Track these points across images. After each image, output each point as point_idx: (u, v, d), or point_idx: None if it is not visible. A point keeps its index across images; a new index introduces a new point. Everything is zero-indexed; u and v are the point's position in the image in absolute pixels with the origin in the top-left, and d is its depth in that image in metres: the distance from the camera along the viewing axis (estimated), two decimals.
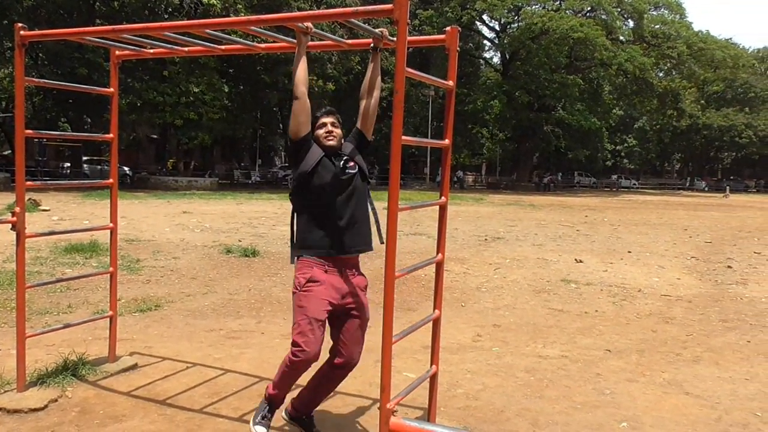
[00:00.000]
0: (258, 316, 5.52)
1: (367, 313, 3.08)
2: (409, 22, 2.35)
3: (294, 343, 2.82)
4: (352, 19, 2.65)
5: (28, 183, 3.56)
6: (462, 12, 37.98)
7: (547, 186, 43.42)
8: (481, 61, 46.00)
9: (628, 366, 4.46)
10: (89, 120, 29.13)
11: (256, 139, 39.72)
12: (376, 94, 3.04)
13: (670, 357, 4.72)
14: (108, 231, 4.09)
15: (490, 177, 49.89)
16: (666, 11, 41.66)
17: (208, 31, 3.16)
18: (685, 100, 48.16)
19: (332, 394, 3.67)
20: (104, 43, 3.80)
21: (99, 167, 31.20)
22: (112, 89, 4.01)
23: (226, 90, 27.28)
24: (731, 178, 60.31)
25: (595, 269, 8.53)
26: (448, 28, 2.96)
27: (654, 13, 41.34)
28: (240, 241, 10.04)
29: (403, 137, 2.39)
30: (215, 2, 23.70)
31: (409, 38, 2.44)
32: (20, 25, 3.39)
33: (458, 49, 2.97)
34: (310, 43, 3.22)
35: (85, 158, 31.55)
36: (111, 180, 4.03)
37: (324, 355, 3.02)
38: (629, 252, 10.35)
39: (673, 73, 43.54)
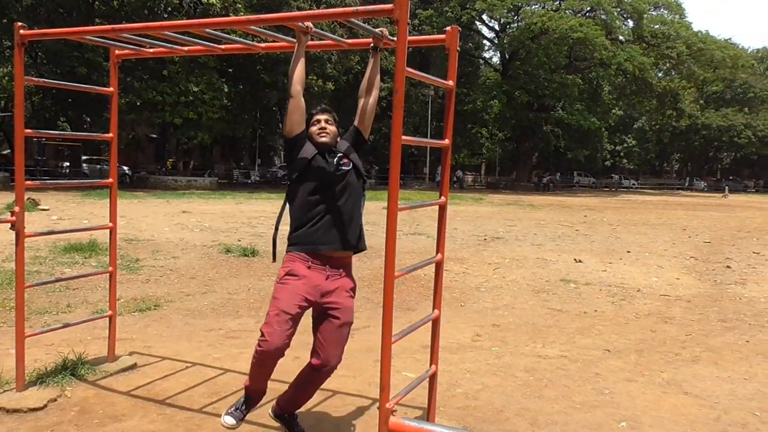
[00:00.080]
0: (257, 316, 5.52)
1: (349, 316, 2.96)
2: (409, 22, 2.35)
3: (260, 334, 2.82)
4: (352, 19, 2.65)
5: (28, 182, 3.55)
6: (462, 12, 37.97)
7: (546, 186, 43.42)
8: (481, 61, 45.99)
9: (627, 366, 4.46)
10: (88, 119, 29.09)
11: (256, 139, 39.71)
12: (375, 93, 3.04)
13: (669, 357, 4.72)
14: (107, 230, 4.10)
15: (490, 177, 49.88)
16: (665, 11, 41.66)
17: (207, 30, 3.16)
18: (684, 100, 48.17)
19: (331, 394, 3.68)
20: (104, 42, 3.80)
21: (98, 167, 31.19)
22: (111, 88, 4.01)
23: (226, 89, 27.26)
24: (730, 178, 60.33)
25: (595, 269, 8.53)
26: (448, 28, 2.96)
27: (653, 13, 41.33)
28: (239, 240, 10.04)
29: (403, 137, 2.39)
30: (215, 2, 23.67)
31: (409, 38, 2.44)
32: (20, 24, 3.39)
33: (458, 48, 2.97)
34: (310, 42, 3.22)
35: (84, 158, 31.54)
36: (110, 179, 4.03)
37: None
38: (628, 252, 10.35)
39: (673, 73, 43.52)
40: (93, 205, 15.86)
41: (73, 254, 8.06)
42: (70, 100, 26.15)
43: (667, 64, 41.57)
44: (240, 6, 24.60)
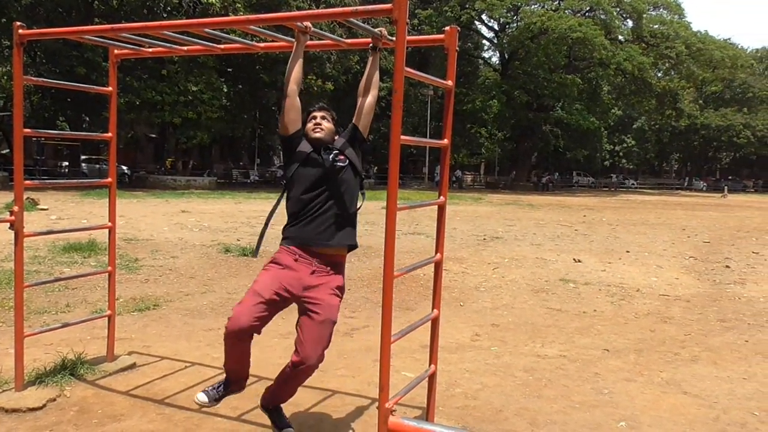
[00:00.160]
0: None
1: (330, 313, 2.88)
2: (408, 22, 2.35)
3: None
4: (352, 19, 2.65)
5: (27, 182, 3.55)
6: (461, 11, 37.97)
7: (545, 186, 43.44)
8: (480, 61, 45.98)
9: (627, 365, 4.46)
10: (87, 119, 29.09)
11: (255, 139, 39.68)
12: (374, 92, 3.04)
13: (669, 356, 4.73)
14: (106, 230, 4.09)
15: (489, 177, 49.88)
16: (665, 11, 41.69)
17: (207, 30, 3.16)
18: (683, 100, 48.20)
19: (330, 393, 3.68)
20: (103, 41, 3.80)
21: (97, 166, 31.17)
22: (110, 88, 4.00)
23: (225, 89, 27.25)
24: (729, 178, 60.38)
25: (594, 269, 8.53)
26: (447, 28, 2.97)
27: (653, 13, 41.35)
28: (238, 240, 10.03)
29: (402, 137, 2.39)
30: (214, 1, 23.65)
31: (408, 38, 2.44)
32: (18, 23, 3.39)
33: (457, 48, 2.97)
34: (310, 42, 3.22)
35: (83, 157, 31.53)
36: (109, 179, 4.02)
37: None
38: (627, 252, 10.36)
39: (672, 73, 43.54)
40: (92, 204, 15.85)
41: (72, 254, 8.06)
42: (69, 99, 26.14)
43: (667, 64, 41.60)
44: (239, 6, 24.58)
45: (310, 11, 2.89)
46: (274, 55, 24.11)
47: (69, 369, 3.72)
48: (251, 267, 7.95)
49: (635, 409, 3.62)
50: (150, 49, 3.80)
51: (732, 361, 4.64)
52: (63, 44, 22.39)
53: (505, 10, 38.56)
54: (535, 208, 22.13)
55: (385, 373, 2.43)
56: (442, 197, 2.95)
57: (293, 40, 3.10)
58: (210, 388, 3.06)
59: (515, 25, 40.92)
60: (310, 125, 3.06)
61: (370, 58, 3.03)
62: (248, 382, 3.83)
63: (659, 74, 43.78)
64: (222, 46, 3.61)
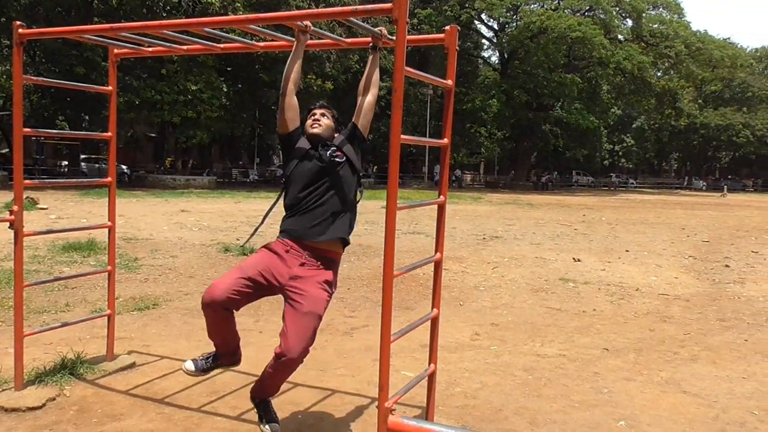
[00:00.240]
0: (256, 315, 5.51)
1: (315, 306, 2.82)
2: (407, 21, 2.35)
3: None
4: (351, 18, 2.65)
5: (26, 181, 3.55)
6: (461, 11, 37.97)
7: (545, 185, 43.45)
8: (480, 60, 45.97)
9: (626, 365, 4.47)
10: (87, 118, 29.09)
11: (254, 138, 39.67)
12: (374, 91, 3.04)
13: (668, 356, 4.73)
14: (106, 229, 4.09)
15: (489, 176, 49.89)
16: (664, 11, 41.69)
17: (206, 29, 3.16)
18: (683, 100, 48.22)
19: (330, 393, 3.68)
20: (102, 41, 3.79)
21: (97, 165, 31.18)
22: (110, 87, 4.00)
23: (225, 89, 27.23)
24: (729, 177, 60.42)
25: (593, 268, 8.54)
26: (447, 27, 2.96)
27: (652, 12, 41.34)
28: (238, 239, 10.03)
29: (402, 136, 2.39)
30: (213, 1, 23.64)
31: (408, 37, 2.44)
32: (18, 23, 3.39)
33: (457, 48, 2.97)
34: (310, 41, 3.22)
35: (83, 156, 31.52)
36: (109, 178, 4.02)
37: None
38: (627, 251, 10.36)
39: (671, 72, 43.54)
40: (91, 204, 15.85)
41: (71, 253, 8.06)
42: (68, 99, 26.12)
43: (666, 64, 41.58)
44: (239, 5, 24.56)
45: (309, 10, 2.90)
46: (274, 54, 24.09)
47: (68, 368, 3.72)
48: None
49: (635, 409, 3.62)
50: (149, 49, 3.80)
51: (731, 361, 4.65)
52: (62, 44, 22.38)
53: (504, 10, 38.55)
54: (534, 207, 22.14)
55: (385, 372, 2.43)
56: (441, 196, 2.95)
57: (293, 39, 3.10)
58: (200, 357, 3.11)
59: (515, 24, 40.92)
60: (309, 122, 3.09)
61: (370, 58, 3.02)
62: (247, 381, 3.85)
63: (659, 74, 43.80)
64: (222, 46, 3.61)
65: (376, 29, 2.96)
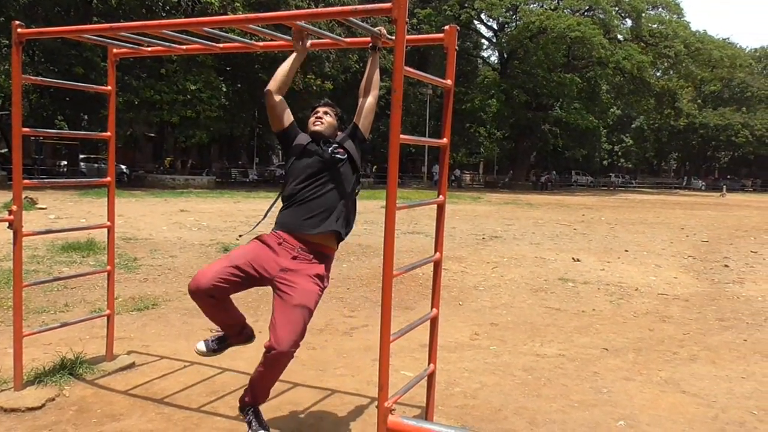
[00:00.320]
0: (256, 315, 5.51)
1: (305, 299, 2.78)
2: (407, 21, 2.35)
3: None
4: (351, 18, 2.64)
5: (25, 181, 3.54)
6: (460, 11, 37.96)
7: (544, 185, 43.45)
8: (479, 60, 45.99)
9: (625, 365, 4.47)
10: (86, 118, 29.05)
11: (254, 138, 39.66)
12: (375, 92, 3.04)
13: (667, 356, 4.73)
14: (105, 229, 4.09)
15: (488, 176, 49.91)
16: (663, 11, 41.70)
17: (206, 29, 3.16)
18: (682, 100, 48.25)
19: (330, 393, 3.68)
20: (101, 40, 3.79)
21: (96, 165, 31.17)
22: (109, 87, 4.00)
23: (224, 88, 27.22)
24: (728, 177, 60.46)
25: (593, 268, 8.54)
26: (446, 27, 2.96)
27: (651, 12, 41.34)
28: (237, 239, 10.02)
29: (401, 136, 2.39)
30: (213, 0, 23.63)
31: (408, 37, 2.44)
32: (17, 22, 3.38)
33: (456, 47, 2.97)
34: (309, 41, 3.22)
35: (82, 156, 31.50)
36: (108, 178, 4.02)
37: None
38: (626, 251, 10.37)
39: (671, 72, 43.59)
40: (91, 203, 15.84)
41: (70, 253, 8.05)
42: (67, 98, 26.10)
43: (665, 64, 41.61)
44: (238, 5, 24.56)
45: (309, 10, 2.90)
46: (273, 54, 24.04)
47: (68, 368, 3.72)
48: None
49: (634, 408, 3.62)
50: (149, 48, 3.79)
51: (730, 360, 4.65)
52: (61, 43, 22.37)
53: (504, 10, 38.54)
54: (534, 207, 22.14)
55: (385, 372, 2.43)
56: (441, 196, 2.95)
57: (292, 39, 3.10)
58: (210, 338, 3.12)
59: (514, 24, 40.92)
60: (311, 119, 3.10)
61: (370, 58, 3.02)
62: (247, 381, 3.85)
63: (658, 73, 43.84)
64: (221, 45, 3.61)
65: (375, 29, 2.96)
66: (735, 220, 18.42)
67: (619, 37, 39.16)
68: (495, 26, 43.53)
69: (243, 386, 3.69)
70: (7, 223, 3.41)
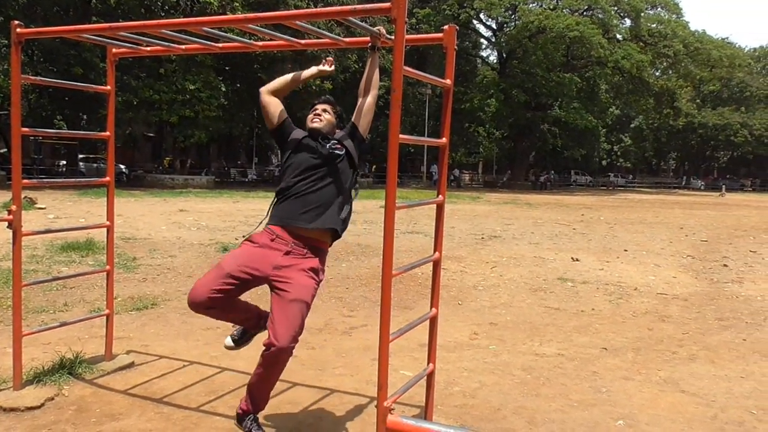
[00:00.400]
0: None
1: (301, 293, 2.77)
2: (406, 21, 2.35)
3: None
4: (350, 18, 2.64)
5: (24, 181, 3.55)
6: (459, 10, 37.95)
7: (543, 185, 43.48)
8: (478, 60, 45.99)
9: (624, 364, 4.47)
10: (85, 118, 29.04)
11: (253, 137, 39.65)
12: (374, 92, 3.04)
13: (666, 355, 4.74)
14: (104, 229, 4.09)
15: (487, 175, 49.92)
16: (662, 10, 41.72)
17: (205, 28, 3.16)
18: (681, 99, 48.26)
19: (329, 392, 3.68)
20: (101, 40, 3.79)
21: (95, 165, 31.16)
22: (108, 87, 4.00)
23: (223, 88, 27.20)
24: (727, 176, 60.50)
25: (592, 268, 8.54)
26: (445, 27, 2.96)
27: (650, 12, 41.35)
28: (237, 239, 10.02)
29: (401, 135, 2.39)
30: (212, 0, 23.62)
31: (407, 36, 2.44)
32: (16, 22, 3.38)
33: (455, 47, 2.97)
34: (308, 41, 3.23)
35: (81, 156, 31.48)
36: (107, 178, 4.02)
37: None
38: (625, 250, 10.37)
39: (670, 72, 43.60)
40: (90, 203, 15.83)
41: (70, 253, 8.05)
42: (66, 98, 26.08)
43: (664, 63, 41.64)
44: (237, 4, 24.54)
45: (308, 10, 2.90)
46: (272, 54, 24.05)
47: (67, 368, 3.72)
48: None
49: (633, 408, 3.63)
50: (148, 48, 3.79)
51: (730, 360, 4.65)
52: (61, 43, 22.35)
53: (503, 9, 38.53)
54: (533, 207, 22.15)
55: (384, 371, 2.43)
56: (440, 196, 2.95)
57: (291, 39, 3.11)
58: (234, 332, 3.18)
59: (513, 24, 40.93)
60: (310, 116, 3.10)
61: (370, 58, 3.01)
62: (246, 380, 3.84)
63: (657, 73, 43.85)
64: (220, 45, 3.61)
65: (374, 29, 2.96)
66: (734, 220, 18.44)
67: (618, 36, 39.16)
68: (494, 26, 43.54)
69: (242, 386, 3.69)
70: (6, 223, 3.41)
